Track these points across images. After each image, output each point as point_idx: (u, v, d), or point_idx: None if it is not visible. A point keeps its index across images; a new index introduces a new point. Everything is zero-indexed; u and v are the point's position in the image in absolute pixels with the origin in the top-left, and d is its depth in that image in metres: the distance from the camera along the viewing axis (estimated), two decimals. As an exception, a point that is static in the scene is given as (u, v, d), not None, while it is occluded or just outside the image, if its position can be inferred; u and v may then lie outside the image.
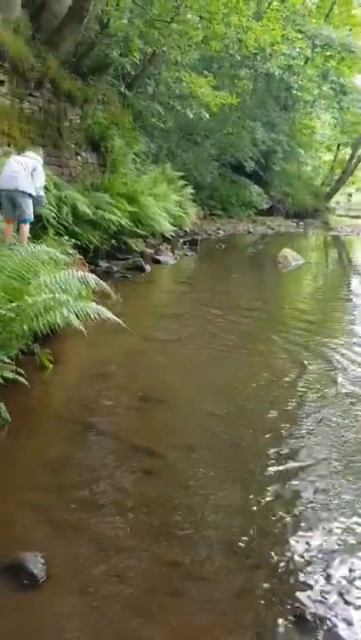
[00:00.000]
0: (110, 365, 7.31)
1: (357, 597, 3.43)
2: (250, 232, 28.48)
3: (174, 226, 18.32)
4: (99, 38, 16.39)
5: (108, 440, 5.33)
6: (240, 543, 3.89)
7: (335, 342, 8.86)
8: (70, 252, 10.08)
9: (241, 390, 6.79)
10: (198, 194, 25.23)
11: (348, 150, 43.23)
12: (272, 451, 5.22)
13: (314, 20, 30.14)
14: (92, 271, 8.76)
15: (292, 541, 3.94)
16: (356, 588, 3.51)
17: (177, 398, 6.55)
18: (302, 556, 3.78)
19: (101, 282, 6.54)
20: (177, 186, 21.49)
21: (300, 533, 4.03)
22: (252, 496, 4.48)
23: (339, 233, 32.51)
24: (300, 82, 29.22)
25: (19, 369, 5.69)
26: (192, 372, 7.48)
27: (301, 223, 35.25)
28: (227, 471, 4.89)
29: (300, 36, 23.92)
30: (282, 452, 5.21)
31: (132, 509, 4.23)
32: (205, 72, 21.45)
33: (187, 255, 18.25)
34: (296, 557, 3.77)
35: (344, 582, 3.55)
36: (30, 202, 8.79)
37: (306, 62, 28.37)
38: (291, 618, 3.26)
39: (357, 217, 43.01)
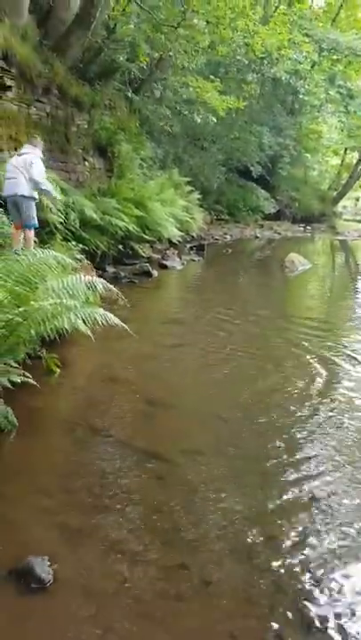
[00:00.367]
0: (117, 370, 7.31)
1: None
2: (257, 237, 28.46)
3: (181, 231, 18.34)
4: (105, 44, 16.42)
5: (115, 444, 5.32)
6: (249, 548, 3.89)
7: (344, 346, 8.86)
8: (78, 257, 10.10)
9: (249, 394, 6.76)
10: (205, 199, 25.23)
11: (356, 154, 43.12)
12: (281, 455, 5.22)
13: (321, 24, 30.11)
14: (99, 276, 8.77)
15: (301, 547, 3.93)
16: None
17: (184, 403, 6.55)
18: (311, 562, 3.77)
19: (110, 285, 6.54)
20: (184, 191, 21.51)
21: (310, 539, 4.01)
22: (261, 501, 4.47)
23: (346, 237, 32.47)
24: (306, 86, 29.17)
25: (26, 373, 5.69)
26: (199, 377, 7.47)
27: (308, 228, 35.25)
28: (235, 475, 4.88)
29: (306, 40, 23.96)
30: (291, 457, 5.20)
31: (140, 513, 4.23)
32: (212, 77, 21.47)
33: (194, 260, 18.25)
34: (305, 563, 3.75)
35: (354, 589, 3.54)
36: (33, 205, 8.75)
37: (313, 66, 28.38)
38: (299, 625, 3.26)
39: (365, 221, 42.93)
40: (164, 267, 15.71)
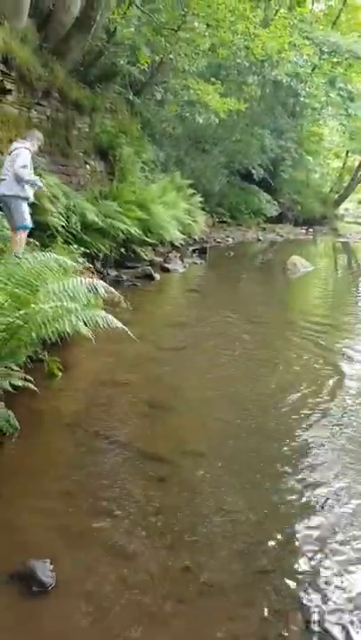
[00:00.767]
0: (119, 373, 7.28)
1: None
2: (259, 239, 28.47)
3: (183, 234, 18.35)
4: (106, 47, 16.45)
5: (117, 447, 5.29)
6: (251, 551, 3.86)
7: (348, 348, 8.83)
8: (79, 260, 10.07)
9: (253, 396, 6.75)
10: (207, 202, 25.25)
11: (357, 157, 43.16)
12: (283, 457, 5.19)
13: (321, 27, 30.14)
14: (101, 279, 8.73)
15: (304, 550, 3.90)
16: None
17: (186, 405, 6.53)
18: (315, 565, 3.74)
19: (111, 288, 6.51)
20: (186, 194, 21.53)
21: (313, 542, 3.98)
22: (263, 503, 4.45)
23: (348, 239, 32.49)
24: (307, 89, 29.15)
25: (27, 376, 5.67)
26: (201, 379, 7.44)
27: (310, 230, 35.31)
28: (238, 478, 4.85)
29: (307, 43, 23.93)
30: (296, 459, 5.18)
31: (142, 515, 4.20)
32: (213, 79, 21.48)
33: (196, 263, 18.25)
34: (311, 567, 3.72)
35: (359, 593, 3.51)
36: (22, 205, 8.38)
37: (313, 69, 28.35)
38: (300, 627, 3.23)
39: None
40: (167, 270, 15.69)
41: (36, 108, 13.03)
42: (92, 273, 10.22)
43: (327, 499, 4.51)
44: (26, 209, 8.48)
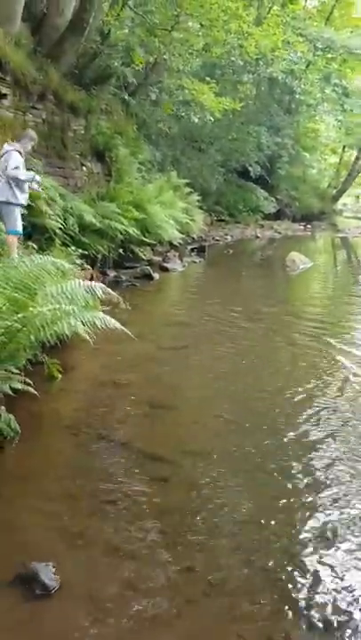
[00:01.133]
0: (119, 373, 7.28)
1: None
2: (257, 237, 28.47)
3: (181, 233, 18.35)
4: (100, 49, 16.44)
5: (118, 448, 5.30)
6: (255, 550, 3.86)
7: (350, 344, 8.85)
8: (77, 262, 10.09)
9: (255, 394, 6.76)
10: (205, 200, 25.25)
11: (354, 152, 43.15)
12: (286, 456, 5.20)
13: (315, 24, 30.14)
14: (100, 280, 8.74)
15: (308, 549, 3.91)
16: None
17: (187, 404, 6.55)
18: (318, 566, 3.74)
19: (109, 290, 6.52)
20: (183, 193, 21.54)
21: (316, 542, 3.98)
22: (267, 502, 4.46)
23: (346, 235, 32.51)
24: (302, 85, 29.16)
25: (27, 379, 5.68)
26: (202, 378, 7.46)
27: (309, 226, 35.30)
28: (240, 477, 4.86)
29: (301, 40, 23.95)
30: (296, 457, 5.18)
31: (144, 517, 4.20)
32: (208, 78, 21.48)
33: (195, 262, 18.26)
34: (312, 567, 3.72)
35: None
36: (13, 210, 8.34)
37: (308, 66, 28.37)
38: (305, 627, 3.24)
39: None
40: (166, 269, 15.70)
41: (32, 111, 13.03)
42: (92, 277, 10.24)
43: (333, 498, 4.51)
44: (18, 215, 8.45)
